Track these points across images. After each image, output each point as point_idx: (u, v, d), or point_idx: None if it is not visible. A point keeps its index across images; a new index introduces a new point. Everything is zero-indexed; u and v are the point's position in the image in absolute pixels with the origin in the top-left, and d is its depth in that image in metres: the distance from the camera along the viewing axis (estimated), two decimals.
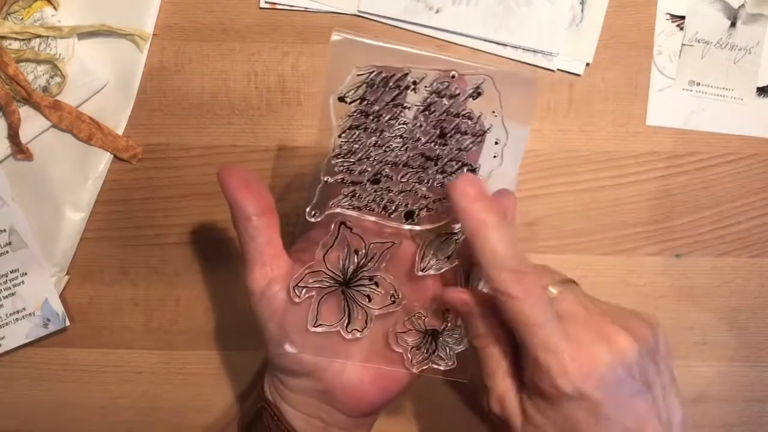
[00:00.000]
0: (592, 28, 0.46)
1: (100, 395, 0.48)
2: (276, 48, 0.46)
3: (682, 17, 0.46)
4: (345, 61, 0.34)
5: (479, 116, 0.35)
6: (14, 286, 0.46)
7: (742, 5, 0.46)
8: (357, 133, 0.35)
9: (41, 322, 0.46)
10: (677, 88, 0.47)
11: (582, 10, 0.46)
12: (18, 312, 0.46)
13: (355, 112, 0.34)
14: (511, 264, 0.32)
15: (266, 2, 0.46)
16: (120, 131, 0.46)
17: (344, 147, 0.35)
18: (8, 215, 0.45)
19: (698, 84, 0.47)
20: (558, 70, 0.46)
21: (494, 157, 0.36)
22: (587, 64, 0.46)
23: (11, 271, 0.46)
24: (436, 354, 0.38)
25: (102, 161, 0.46)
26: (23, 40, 0.45)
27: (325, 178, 0.35)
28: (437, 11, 0.45)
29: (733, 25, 0.46)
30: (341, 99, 0.34)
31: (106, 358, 0.47)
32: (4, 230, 0.45)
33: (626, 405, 0.32)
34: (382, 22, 0.46)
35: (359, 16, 0.46)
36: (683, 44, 0.47)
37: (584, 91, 0.46)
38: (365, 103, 0.34)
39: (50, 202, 0.46)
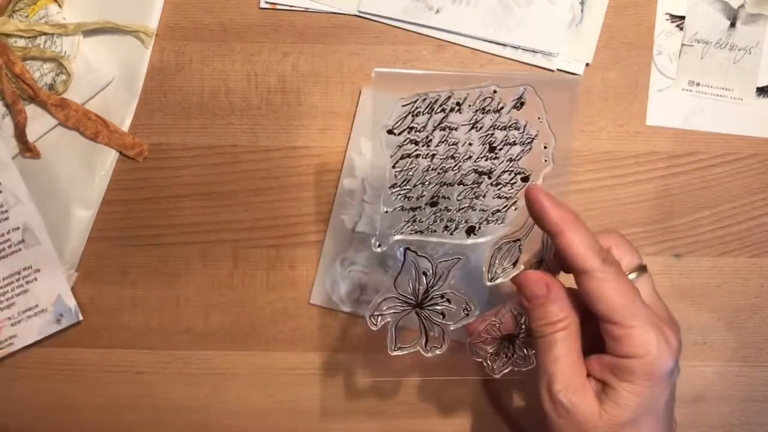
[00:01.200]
0: (592, 28, 0.46)
1: (100, 395, 0.48)
2: (276, 48, 0.46)
3: (682, 17, 0.46)
4: (388, 94, 0.35)
5: (525, 125, 0.36)
6: (27, 283, 0.46)
7: (742, 5, 0.46)
8: (410, 161, 0.36)
9: (53, 318, 0.46)
10: (677, 88, 0.47)
11: (582, 10, 0.46)
12: (30, 309, 0.46)
13: (405, 141, 0.36)
14: (599, 252, 0.34)
15: (266, 2, 0.46)
16: (125, 128, 0.46)
17: (399, 177, 0.36)
18: (23, 213, 0.45)
19: (698, 84, 0.47)
20: (558, 70, 0.46)
21: (545, 161, 0.37)
22: (587, 64, 0.46)
23: (24, 269, 0.46)
24: (515, 357, 0.39)
25: (109, 158, 0.46)
26: (29, 37, 0.45)
27: (385, 209, 0.37)
28: (437, 11, 0.45)
29: (732, 25, 0.46)
30: (390, 132, 0.35)
31: (106, 358, 0.47)
32: (18, 228, 0.45)
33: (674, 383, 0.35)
34: (382, 22, 0.46)
35: (359, 16, 0.46)
36: (683, 44, 0.47)
37: (584, 91, 0.46)
38: (413, 131, 0.35)
39: (58, 199, 0.46)
